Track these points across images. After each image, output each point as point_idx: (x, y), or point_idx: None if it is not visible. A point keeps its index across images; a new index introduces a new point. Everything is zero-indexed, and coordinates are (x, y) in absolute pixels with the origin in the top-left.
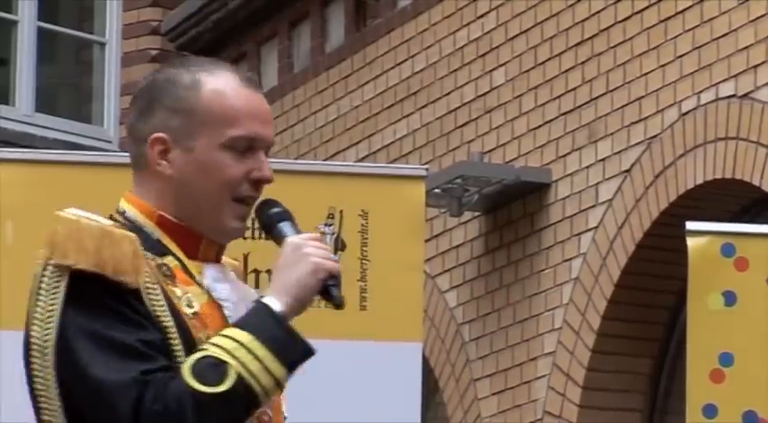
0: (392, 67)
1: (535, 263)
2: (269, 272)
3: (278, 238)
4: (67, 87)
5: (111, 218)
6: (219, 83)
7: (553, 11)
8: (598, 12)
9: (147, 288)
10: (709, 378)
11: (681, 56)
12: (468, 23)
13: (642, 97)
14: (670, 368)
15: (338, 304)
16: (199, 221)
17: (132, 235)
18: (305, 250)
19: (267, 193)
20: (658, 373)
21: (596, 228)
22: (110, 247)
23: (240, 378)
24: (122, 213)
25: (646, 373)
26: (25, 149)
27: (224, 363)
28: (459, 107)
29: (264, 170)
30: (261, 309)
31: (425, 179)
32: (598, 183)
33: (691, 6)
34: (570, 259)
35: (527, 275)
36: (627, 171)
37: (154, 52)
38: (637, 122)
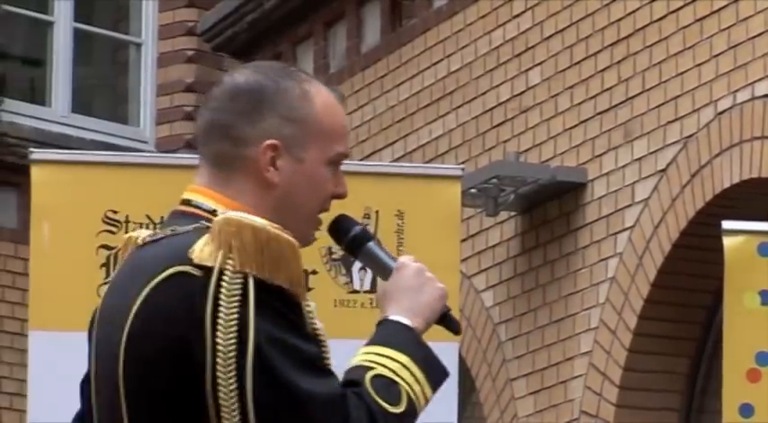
0: (428, 67)
1: (571, 262)
2: (305, 272)
3: (372, 258)
4: (104, 88)
5: (188, 214)
6: (325, 97)
7: (589, 10)
8: (634, 11)
9: (307, 308)
10: (745, 377)
11: (717, 55)
12: (504, 23)
13: (678, 96)
14: (707, 367)
15: (457, 331)
16: (288, 229)
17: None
18: (428, 275)
19: None
20: (695, 373)
21: (632, 227)
22: (294, 261)
23: (410, 399)
24: (211, 211)
25: (682, 372)
26: (61, 150)
27: (396, 383)
28: (495, 107)
29: (344, 186)
30: (402, 329)
31: (461, 179)
32: (634, 182)
33: (726, 5)
34: (606, 259)
35: (563, 275)
36: (663, 170)
37: (190, 53)
38: (673, 122)
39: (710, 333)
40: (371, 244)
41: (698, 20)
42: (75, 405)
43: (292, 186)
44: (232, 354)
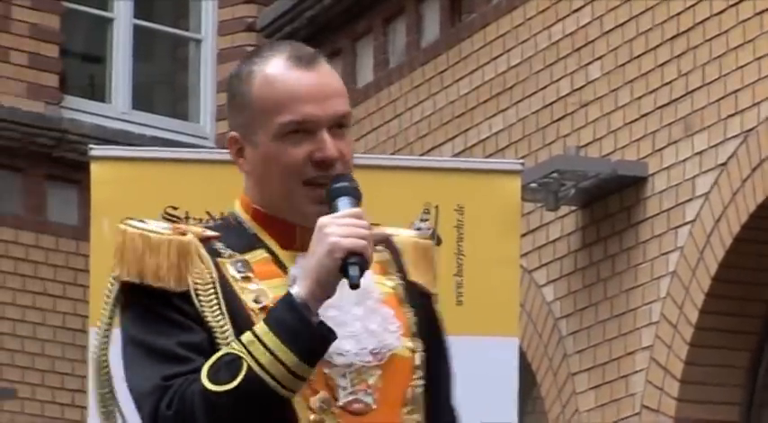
0: (487, 62)
1: (632, 257)
2: None
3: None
4: (163, 84)
5: (168, 218)
6: (268, 70)
7: (648, 4)
8: (693, 5)
9: (197, 289)
10: None
11: None
12: (563, 18)
13: (738, 90)
14: None
15: (351, 284)
16: (283, 211)
17: (182, 240)
18: (326, 230)
19: (364, 187)
20: (756, 367)
21: (693, 221)
22: (150, 255)
23: (250, 371)
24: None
25: (744, 366)
26: (121, 147)
27: (238, 358)
28: (555, 101)
29: (325, 150)
30: (284, 297)
31: (521, 173)
32: (695, 176)
33: None
34: (667, 253)
35: (624, 269)
36: (723, 164)
37: (249, 49)
38: (733, 115)
39: None
40: (339, 199)
41: (758, 13)
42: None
43: (257, 171)
44: (104, 358)
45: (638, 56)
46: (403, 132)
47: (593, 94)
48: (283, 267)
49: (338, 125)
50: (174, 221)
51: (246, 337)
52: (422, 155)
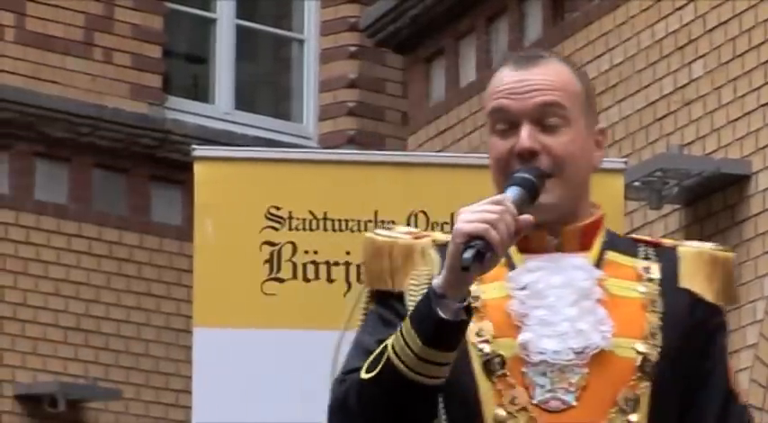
0: (590, 61)
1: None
2: None
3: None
4: (266, 85)
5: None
6: (498, 71)
7: (751, 2)
8: None
9: (411, 289)
10: None
11: None
12: (667, 16)
13: None
14: None
15: (462, 266)
16: None
17: (408, 243)
18: (459, 217)
19: (469, 187)
20: None
21: None
22: (372, 261)
23: (388, 358)
24: None
25: None
26: (224, 147)
27: (384, 348)
28: (658, 100)
29: (522, 141)
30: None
31: (624, 172)
32: None
33: None
34: None
35: None
36: None
37: (352, 49)
38: None
39: None
40: (511, 189)
41: None
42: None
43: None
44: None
45: (742, 54)
46: None
47: (696, 93)
48: (513, 269)
49: (549, 117)
50: (276, 221)
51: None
52: None
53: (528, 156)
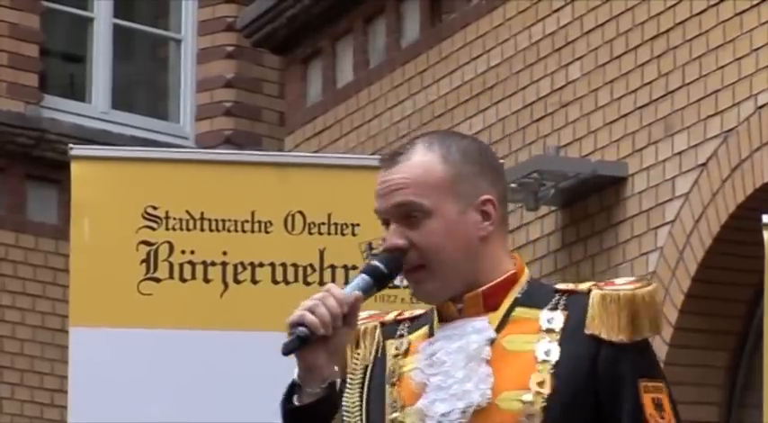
0: (467, 62)
1: (612, 257)
2: (345, 267)
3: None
4: (143, 84)
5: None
6: None
7: (628, 5)
8: (674, 5)
9: (350, 373)
10: None
11: (757, 49)
12: (544, 18)
13: (718, 90)
14: (748, 362)
15: (282, 352)
16: None
17: (351, 332)
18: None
19: (344, 187)
20: (736, 367)
21: (673, 221)
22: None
23: None
24: None
25: (723, 366)
26: (101, 146)
27: None
28: (535, 101)
29: (388, 240)
30: None
31: None
32: (675, 176)
33: None
34: (647, 253)
35: (604, 269)
36: (703, 164)
37: (230, 49)
38: (713, 116)
39: (751, 327)
40: (362, 277)
41: (738, 14)
42: (114, 400)
43: None
44: None
45: (619, 56)
46: (383, 132)
47: (572, 95)
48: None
49: (408, 215)
50: (153, 221)
51: None
52: None
53: (397, 252)
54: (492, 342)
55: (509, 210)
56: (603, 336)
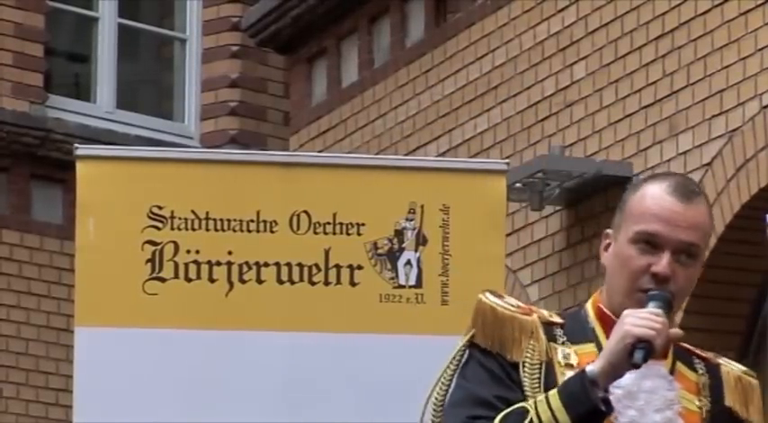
0: (472, 62)
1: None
2: (350, 267)
3: None
4: (148, 84)
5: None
6: (651, 188)
7: (633, 4)
8: (678, 5)
9: (525, 363)
10: None
11: (761, 49)
12: (549, 17)
13: (723, 90)
14: (752, 361)
15: (633, 364)
16: (618, 309)
17: (525, 319)
18: (624, 320)
19: (349, 187)
20: None
21: None
22: (499, 330)
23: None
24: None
25: None
26: (106, 146)
27: (526, 411)
28: (540, 101)
29: (660, 266)
30: (579, 371)
31: (506, 173)
32: None
33: None
34: None
35: None
36: (708, 164)
37: (234, 48)
38: (718, 115)
39: (756, 327)
40: (653, 302)
41: (742, 13)
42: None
43: (610, 265)
44: (440, 404)
45: (623, 56)
46: (388, 132)
47: (577, 94)
48: None
49: (685, 253)
50: (158, 221)
51: (540, 396)
52: (407, 155)
53: (663, 280)
54: (678, 394)
55: (514, 210)
56: (741, 414)
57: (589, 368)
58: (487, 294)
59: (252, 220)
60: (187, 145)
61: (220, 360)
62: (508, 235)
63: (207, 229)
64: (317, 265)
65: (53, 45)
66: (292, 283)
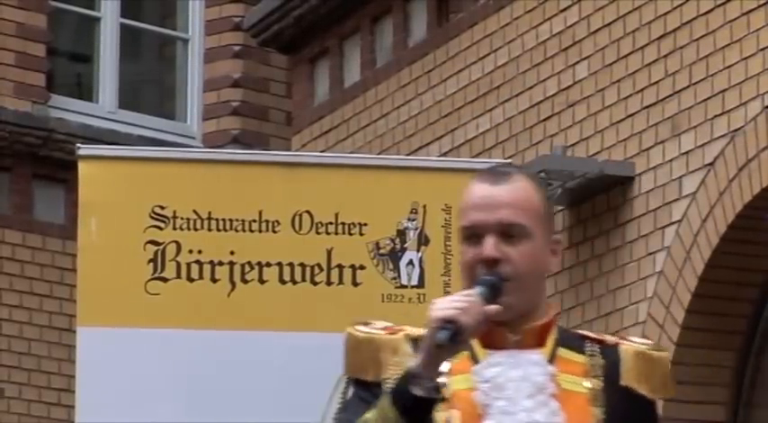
0: (475, 62)
1: (619, 256)
2: (352, 267)
3: None
4: (150, 84)
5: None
6: (473, 183)
7: (635, 4)
8: (681, 5)
9: (387, 380)
10: None
11: (764, 48)
12: (551, 17)
13: (725, 90)
14: (755, 361)
15: (437, 344)
16: None
17: (387, 338)
18: (431, 307)
19: (351, 187)
20: (743, 366)
21: (680, 221)
22: (357, 354)
23: None
24: None
25: (730, 366)
26: (108, 146)
27: (368, 420)
28: (542, 101)
29: (484, 250)
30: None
31: None
32: (682, 176)
33: None
34: (654, 253)
35: (611, 269)
36: (710, 164)
37: (236, 48)
38: (720, 115)
39: (758, 326)
40: (481, 287)
41: (745, 13)
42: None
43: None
44: None
45: (625, 56)
46: (390, 132)
47: (579, 94)
48: (477, 362)
49: (508, 233)
50: (161, 220)
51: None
52: (409, 154)
53: (491, 263)
54: (552, 377)
55: None
56: (636, 388)
57: (410, 362)
58: (355, 326)
59: (254, 220)
60: (189, 145)
61: (222, 360)
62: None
63: (209, 229)
64: (319, 265)
65: (55, 45)
66: (294, 283)
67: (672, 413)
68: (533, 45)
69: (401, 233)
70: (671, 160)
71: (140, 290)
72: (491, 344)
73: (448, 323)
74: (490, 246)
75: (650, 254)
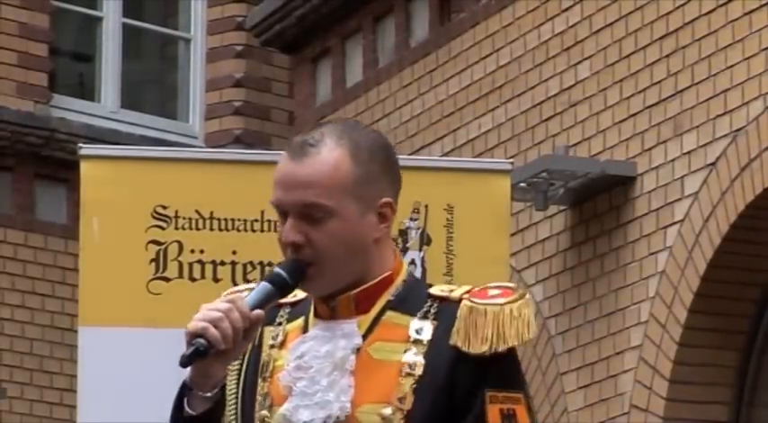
0: (477, 62)
1: (621, 256)
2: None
3: None
4: (152, 83)
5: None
6: None
7: (637, 4)
8: (682, 5)
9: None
10: None
11: (766, 48)
12: (553, 17)
13: (727, 90)
14: (757, 361)
15: (180, 363)
16: None
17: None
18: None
19: None
20: (745, 366)
21: (682, 221)
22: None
23: None
24: None
25: (732, 365)
26: (111, 146)
27: None
28: (544, 101)
29: (285, 234)
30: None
31: (511, 173)
32: (684, 176)
33: None
34: (656, 252)
35: (613, 269)
36: (712, 164)
37: (239, 48)
38: (722, 115)
39: (761, 326)
40: (265, 285)
41: (747, 13)
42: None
43: None
44: None
45: (628, 55)
46: (392, 132)
47: (582, 94)
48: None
49: (308, 215)
50: (163, 220)
51: None
52: (411, 154)
53: (293, 247)
54: (358, 350)
55: (518, 210)
56: (464, 348)
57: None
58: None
59: (256, 220)
60: (191, 145)
61: None
62: (512, 235)
63: (211, 229)
64: None
65: (57, 45)
66: None
67: (675, 413)
68: (535, 45)
69: (403, 233)
70: (673, 160)
71: (142, 290)
72: (317, 314)
73: (196, 337)
74: (288, 230)
75: (652, 254)
